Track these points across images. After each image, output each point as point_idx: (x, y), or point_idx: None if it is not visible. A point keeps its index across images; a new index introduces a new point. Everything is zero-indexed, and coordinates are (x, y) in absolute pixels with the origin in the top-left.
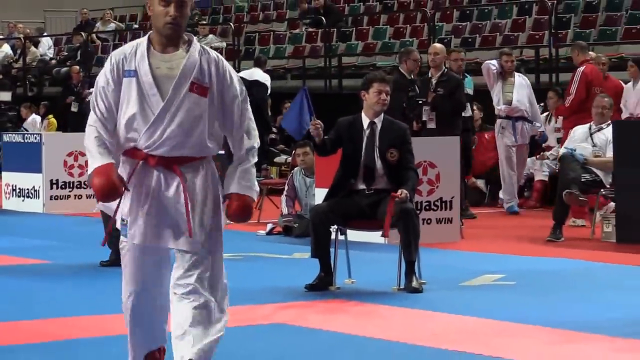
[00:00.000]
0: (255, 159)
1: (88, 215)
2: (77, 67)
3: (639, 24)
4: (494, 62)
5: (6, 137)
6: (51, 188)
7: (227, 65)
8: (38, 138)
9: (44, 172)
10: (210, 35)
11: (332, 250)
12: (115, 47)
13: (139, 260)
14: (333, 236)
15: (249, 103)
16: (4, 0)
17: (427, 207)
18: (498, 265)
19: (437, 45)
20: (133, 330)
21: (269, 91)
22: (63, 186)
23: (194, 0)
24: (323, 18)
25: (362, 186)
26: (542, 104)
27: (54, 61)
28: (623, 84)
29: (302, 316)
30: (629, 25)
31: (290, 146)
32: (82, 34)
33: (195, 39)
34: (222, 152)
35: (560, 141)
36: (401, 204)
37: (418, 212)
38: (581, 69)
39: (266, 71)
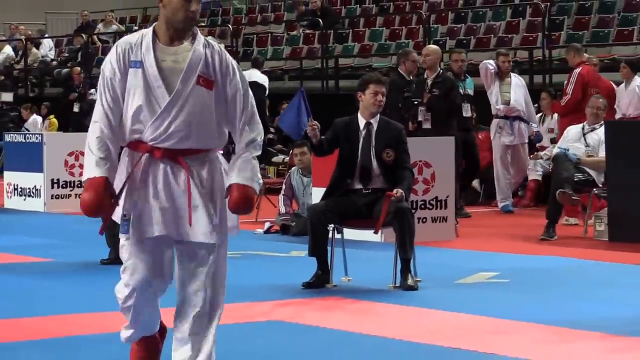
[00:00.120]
0: (258, 152)
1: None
2: (78, 69)
3: (631, 25)
4: (492, 62)
5: (8, 137)
6: (52, 187)
7: (230, 58)
8: (39, 138)
9: (45, 171)
10: (209, 37)
11: (328, 248)
12: None
13: (142, 251)
14: (330, 235)
15: (252, 96)
16: (6, 2)
17: (423, 206)
18: (492, 263)
19: (430, 46)
20: (134, 319)
21: (266, 92)
22: (64, 185)
23: None
24: (320, 20)
25: (358, 186)
26: (536, 105)
27: (55, 62)
28: (614, 85)
29: (299, 313)
30: (621, 27)
31: (288, 146)
32: (83, 35)
33: (199, 31)
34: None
35: (555, 141)
36: (397, 203)
37: (413, 211)
38: (577, 70)
39: (264, 72)
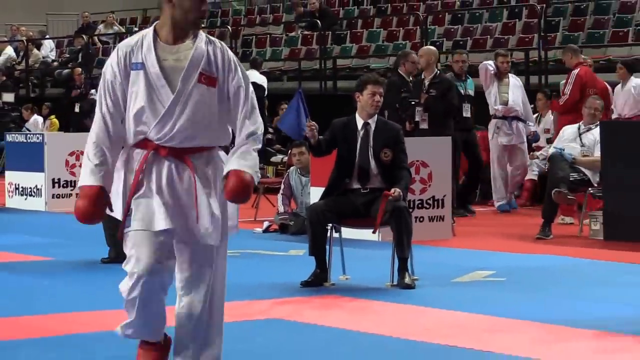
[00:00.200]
0: (258, 145)
1: None
2: (80, 69)
3: (626, 27)
4: (491, 63)
5: (9, 137)
6: (53, 187)
7: (232, 54)
8: (40, 138)
9: (46, 171)
10: (210, 36)
11: (327, 247)
12: None
13: (147, 240)
14: (328, 234)
15: (252, 91)
16: (7, 4)
17: (420, 205)
18: (489, 262)
19: (424, 48)
20: (139, 314)
21: (265, 92)
22: (65, 185)
23: None
24: (318, 21)
25: (357, 185)
26: (532, 105)
27: (55, 63)
28: (608, 86)
29: (297, 311)
30: (616, 28)
31: (287, 146)
32: (84, 36)
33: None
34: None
35: (551, 141)
36: (394, 202)
37: (411, 210)
38: (576, 71)
39: (262, 73)
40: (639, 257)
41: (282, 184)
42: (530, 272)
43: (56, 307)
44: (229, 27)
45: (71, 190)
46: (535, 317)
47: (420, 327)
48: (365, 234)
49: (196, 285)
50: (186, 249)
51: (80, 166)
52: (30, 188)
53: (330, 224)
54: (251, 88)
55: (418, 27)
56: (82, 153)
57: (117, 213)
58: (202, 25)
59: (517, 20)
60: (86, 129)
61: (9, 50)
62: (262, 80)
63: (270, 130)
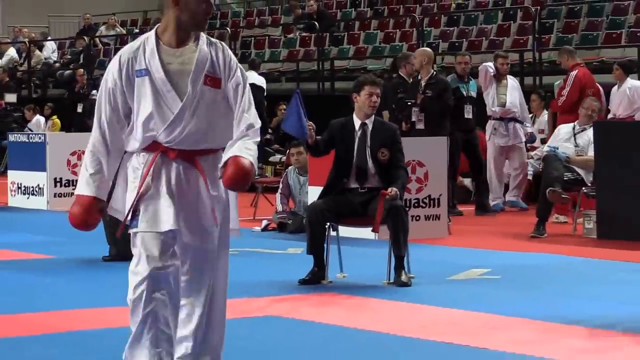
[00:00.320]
0: (257, 138)
1: None
2: (82, 70)
3: (619, 29)
4: (491, 64)
5: (12, 137)
6: (55, 186)
7: (231, 53)
8: (42, 138)
9: (48, 170)
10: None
11: (324, 245)
12: (117, 50)
13: (153, 241)
14: (326, 233)
15: (249, 88)
16: (10, 6)
17: (416, 204)
18: (484, 260)
19: (419, 49)
20: (145, 316)
21: (265, 93)
22: (67, 184)
23: None
24: (316, 23)
25: (354, 185)
26: (527, 106)
27: (57, 64)
28: (600, 88)
29: (295, 309)
30: (610, 30)
31: (285, 146)
32: (85, 38)
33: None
34: None
35: (545, 141)
36: (391, 202)
37: (407, 209)
38: (574, 73)
39: (261, 74)
40: (632, 255)
41: (281, 184)
42: (525, 270)
43: (58, 304)
44: (228, 28)
45: (73, 189)
46: (529, 314)
47: (416, 324)
48: (363, 232)
49: (196, 289)
50: (189, 250)
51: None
52: (33, 187)
53: (329, 223)
54: (248, 87)
55: (414, 28)
56: (83, 153)
57: (119, 214)
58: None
59: (511, 22)
60: (88, 128)
61: (12, 52)
62: (261, 81)
63: (269, 130)
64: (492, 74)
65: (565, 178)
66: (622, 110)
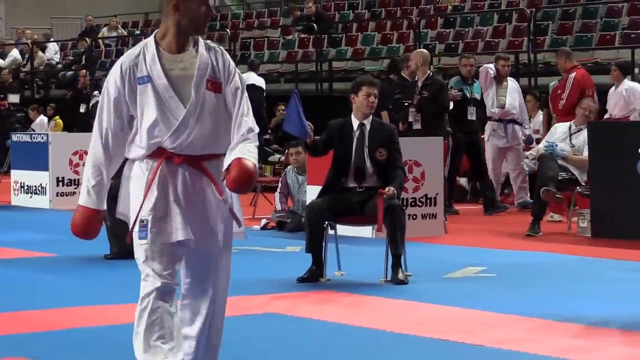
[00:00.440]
0: (257, 142)
1: None
2: (84, 71)
3: (613, 30)
4: (492, 66)
5: (15, 137)
6: (57, 185)
7: (229, 57)
8: (45, 138)
9: (51, 170)
10: (208, 41)
11: (322, 244)
12: (118, 52)
13: (163, 255)
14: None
15: (246, 93)
16: (13, 8)
17: (413, 204)
18: (480, 259)
19: (415, 51)
20: (150, 329)
21: (264, 94)
22: (69, 183)
23: None
24: (314, 25)
25: (353, 184)
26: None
27: (60, 65)
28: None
29: (294, 306)
30: (604, 31)
31: (284, 146)
32: (87, 39)
33: (199, 36)
34: None
35: (539, 141)
36: (389, 201)
37: (404, 208)
38: (572, 75)
39: (260, 75)
40: (625, 253)
41: (280, 183)
42: (520, 268)
43: (60, 302)
44: (227, 30)
45: (75, 188)
46: (525, 312)
47: (413, 322)
48: (361, 231)
49: (201, 291)
50: (194, 255)
51: (84, 165)
52: (35, 186)
53: (327, 222)
54: (246, 91)
55: (411, 30)
56: (85, 152)
57: (123, 215)
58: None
59: (507, 24)
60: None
61: (15, 53)
62: (261, 82)
63: (269, 130)
64: (492, 75)
65: (559, 177)
66: (618, 110)
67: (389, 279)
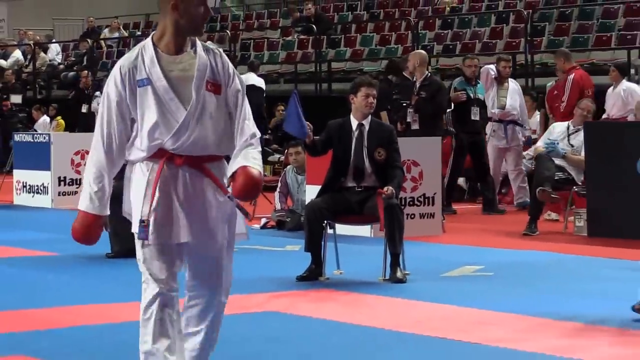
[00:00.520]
0: (259, 147)
1: None
2: (87, 72)
3: (609, 32)
4: (493, 67)
5: (17, 137)
6: (59, 185)
7: (227, 59)
8: (47, 138)
9: (53, 169)
10: (208, 42)
11: (321, 243)
12: (119, 53)
13: (164, 256)
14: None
15: (245, 96)
16: (16, 9)
17: (411, 203)
18: (477, 257)
19: (413, 52)
20: (158, 339)
21: (264, 94)
22: (70, 183)
23: None
24: (314, 26)
25: (351, 184)
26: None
27: (62, 66)
28: None
29: (293, 304)
30: (600, 33)
31: (283, 146)
32: (89, 40)
33: (197, 38)
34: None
35: (535, 142)
36: (387, 200)
37: (402, 207)
38: (571, 76)
39: (260, 75)
40: (621, 252)
41: (279, 182)
42: (517, 267)
43: (61, 300)
44: (228, 31)
45: (76, 188)
46: (521, 310)
47: (411, 320)
48: (359, 230)
49: (204, 293)
50: (196, 256)
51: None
52: (37, 186)
53: (326, 221)
54: (245, 94)
55: (409, 31)
56: (87, 152)
57: (134, 225)
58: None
59: (504, 25)
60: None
61: (17, 54)
62: (261, 82)
63: (268, 130)
64: (493, 76)
65: (556, 177)
66: (615, 110)
67: (387, 277)
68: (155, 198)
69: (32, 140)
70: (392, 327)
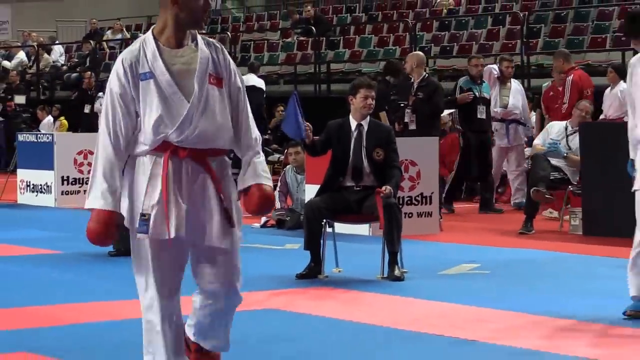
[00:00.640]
0: (262, 152)
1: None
2: (90, 73)
3: (604, 33)
4: (495, 67)
5: (21, 137)
6: (62, 184)
7: (229, 55)
8: (50, 138)
9: (56, 169)
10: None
11: (321, 241)
12: None
13: (163, 251)
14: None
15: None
16: (20, 11)
17: (409, 202)
18: (474, 256)
19: (411, 53)
20: (163, 341)
21: (264, 95)
22: (73, 182)
23: None
24: (313, 28)
25: (350, 183)
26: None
27: (65, 67)
28: None
29: (293, 302)
30: (595, 34)
31: (283, 146)
32: (91, 42)
33: (197, 32)
34: None
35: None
36: (385, 199)
37: (400, 206)
38: (570, 77)
39: (260, 76)
40: (616, 251)
41: (279, 182)
42: (514, 265)
43: (65, 297)
44: (228, 33)
45: (79, 187)
46: (517, 307)
47: (409, 317)
48: (358, 229)
49: (215, 289)
50: (200, 251)
51: (88, 164)
52: (41, 185)
53: (325, 220)
54: (245, 94)
55: (407, 33)
56: (89, 152)
57: (132, 219)
58: (202, 32)
59: (500, 27)
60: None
61: (21, 55)
62: (261, 83)
63: (268, 130)
64: (495, 75)
65: (551, 177)
66: (612, 111)
67: (385, 275)
68: (157, 191)
69: (36, 140)
70: (390, 324)
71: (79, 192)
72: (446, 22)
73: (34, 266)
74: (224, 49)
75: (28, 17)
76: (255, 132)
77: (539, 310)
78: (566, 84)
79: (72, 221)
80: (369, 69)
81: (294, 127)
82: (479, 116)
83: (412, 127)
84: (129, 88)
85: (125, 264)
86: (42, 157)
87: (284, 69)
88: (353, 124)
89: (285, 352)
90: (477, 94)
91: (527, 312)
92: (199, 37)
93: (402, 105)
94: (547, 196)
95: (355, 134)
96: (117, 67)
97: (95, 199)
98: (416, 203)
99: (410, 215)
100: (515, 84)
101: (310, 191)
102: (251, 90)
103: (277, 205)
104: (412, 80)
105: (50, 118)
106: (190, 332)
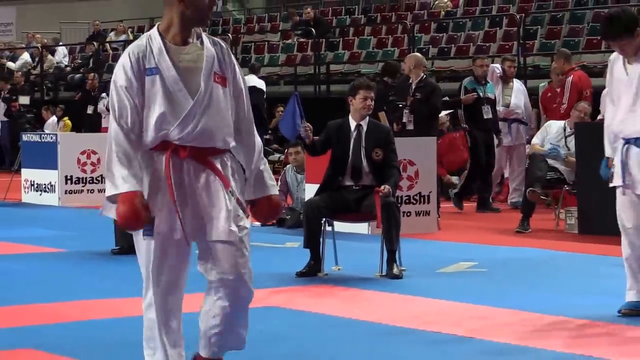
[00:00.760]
0: (264, 156)
1: (99, 208)
2: (93, 74)
3: (599, 35)
4: (498, 66)
5: (25, 137)
6: (66, 183)
7: (232, 55)
8: (54, 138)
9: (60, 168)
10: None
11: (320, 240)
12: None
13: (168, 253)
14: (322, 228)
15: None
16: (24, 13)
17: (407, 201)
18: (471, 254)
19: (409, 55)
20: (165, 332)
21: (264, 95)
22: (77, 181)
23: None
24: (313, 29)
25: (349, 182)
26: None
27: (68, 68)
28: None
29: (293, 300)
30: (590, 36)
31: (283, 145)
32: (95, 43)
33: (200, 29)
34: None
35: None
36: (384, 198)
37: (399, 205)
38: (569, 78)
39: (261, 77)
40: (611, 249)
41: (279, 181)
42: (510, 263)
43: (69, 295)
44: (229, 34)
45: (83, 186)
46: (514, 305)
47: (407, 315)
48: (357, 227)
49: (224, 285)
50: (206, 249)
51: (91, 164)
52: (45, 184)
53: (325, 219)
54: (247, 94)
55: (406, 35)
56: (93, 152)
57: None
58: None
59: (497, 28)
60: (98, 129)
61: (25, 56)
62: (261, 84)
63: (269, 130)
64: (498, 74)
65: (548, 177)
66: None
67: (384, 273)
68: (159, 192)
69: (40, 140)
70: (389, 321)
71: (82, 191)
72: (444, 24)
73: (38, 264)
74: (229, 49)
75: (32, 19)
76: (257, 138)
77: (536, 308)
78: (566, 84)
79: (76, 220)
80: (367, 70)
81: (290, 126)
82: (485, 116)
83: (410, 127)
84: (135, 81)
85: (128, 262)
86: (46, 157)
87: (284, 70)
88: (352, 124)
89: (285, 349)
90: (481, 94)
91: (523, 310)
92: (203, 35)
93: (400, 105)
94: (542, 197)
95: (354, 134)
96: (124, 60)
97: (118, 185)
98: (414, 202)
99: (408, 214)
100: (517, 84)
101: (310, 190)
102: (252, 90)
103: None
104: (410, 81)
105: (54, 118)
106: (202, 346)
